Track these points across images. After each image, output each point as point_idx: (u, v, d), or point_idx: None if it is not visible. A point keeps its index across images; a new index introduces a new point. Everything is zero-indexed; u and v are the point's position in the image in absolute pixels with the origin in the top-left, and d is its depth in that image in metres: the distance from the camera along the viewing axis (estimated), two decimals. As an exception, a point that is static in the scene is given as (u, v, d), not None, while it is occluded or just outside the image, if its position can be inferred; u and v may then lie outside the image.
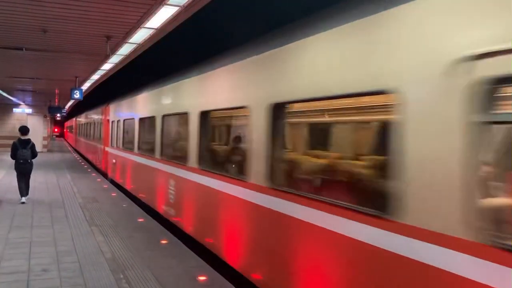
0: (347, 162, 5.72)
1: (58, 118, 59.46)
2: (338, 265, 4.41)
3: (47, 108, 32.96)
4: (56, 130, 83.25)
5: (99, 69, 16.95)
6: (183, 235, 9.09)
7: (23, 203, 12.40)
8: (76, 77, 18.73)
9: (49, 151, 37.39)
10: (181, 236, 9.06)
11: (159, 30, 10.07)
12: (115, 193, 14.91)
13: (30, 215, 10.74)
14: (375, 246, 3.84)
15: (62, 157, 31.71)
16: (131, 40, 11.31)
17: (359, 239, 4.07)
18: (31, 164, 12.71)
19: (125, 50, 12.60)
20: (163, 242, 8.58)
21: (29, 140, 12.59)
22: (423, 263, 3.35)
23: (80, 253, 7.70)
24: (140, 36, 10.81)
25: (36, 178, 18.10)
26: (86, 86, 22.76)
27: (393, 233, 3.66)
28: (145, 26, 9.73)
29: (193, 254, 7.84)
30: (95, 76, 19.34)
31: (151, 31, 10.28)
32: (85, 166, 25.04)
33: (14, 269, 6.71)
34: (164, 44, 13.77)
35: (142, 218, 10.78)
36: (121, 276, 6.56)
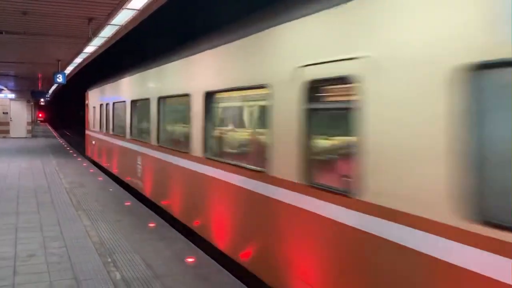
0: None
1: (42, 103, 58.66)
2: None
3: (30, 92, 32.49)
4: (40, 115, 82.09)
5: (82, 52, 16.69)
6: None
7: None
8: (58, 60, 18.45)
9: (34, 136, 36.96)
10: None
11: (142, 11, 9.91)
12: (101, 177, 14.82)
13: (16, 201, 10.63)
14: None
15: (47, 142, 31.38)
16: (113, 22, 11.13)
17: None
18: None
19: (107, 32, 12.41)
20: (151, 225, 8.56)
21: None
22: None
23: (67, 238, 7.66)
24: (123, 17, 10.64)
25: (21, 164, 17.93)
26: (69, 69, 22.44)
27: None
28: (127, 7, 9.57)
29: (181, 236, 7.85)
30: (78, 60, 19.08)
31: (133, 12, 10.12)
32: (71, 151, 24.83)
33: (0, 256, 6.65)
34: (148, 25, 13.58)
35: (129, 202, 10.74)
36: (109, 259, 6.55)
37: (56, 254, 6.78)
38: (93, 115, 20.15)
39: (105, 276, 5.93)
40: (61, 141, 34.19)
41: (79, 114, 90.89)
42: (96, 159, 19.00)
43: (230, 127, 7.44)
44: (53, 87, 37.49)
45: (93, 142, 19.66)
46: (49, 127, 64.67)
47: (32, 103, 37.31)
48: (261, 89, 5.69)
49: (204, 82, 7.64)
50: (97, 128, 18.57)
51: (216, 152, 7.36)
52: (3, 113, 34.51)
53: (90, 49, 15.86)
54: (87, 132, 22.24)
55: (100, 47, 15.32)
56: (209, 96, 7.42)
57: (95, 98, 19.39)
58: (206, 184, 7.42)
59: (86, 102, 22.40)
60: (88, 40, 13.50)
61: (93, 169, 16.77)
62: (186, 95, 8.25)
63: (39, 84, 31.66)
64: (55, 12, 10.37)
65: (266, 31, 5.66)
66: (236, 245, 6.27)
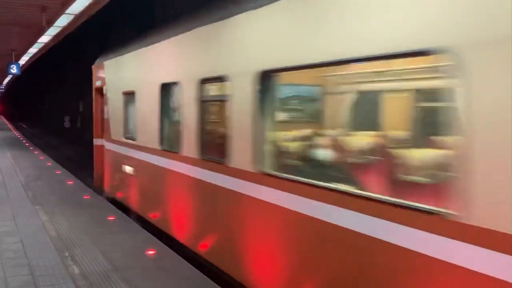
0: None
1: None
2: None
3: (-17, 84, 31.36)
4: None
5: (37, 42, 16.20)
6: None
7: None
8: (12, 51, 17.87)
9: (-12, 129, 35.71)
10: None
11: (98, -1, 9.70)
12: (59, 170, 14.48)
13: (-32, 197, 10.28)
14: None
15: (1, 135, 30.37)
16: (68, 11, 10.83)
17: None
18: None
19: (62, 21, 12.06)
20: (110, 218, 8.44)
21: None
22: None
23: (23, 233, 7.46)
24: (79, 5, 10.35)
25: (-27, 158, 17.31)
26: (24, 59, 21.76)
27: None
28: (82, -5, 9.34)
29: (141, 229, 7.78)
30: (33, 50, 18.52)
31: (89, 1, 9.88)
32: (27, 144, 24.13)
33: (-49, 253, 6.43)
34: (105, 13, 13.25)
35: (88, 195, 10.55)
36: (67, 254, 6.43)
37: (11, 249, 6.59)
38: (123, 111, 9.80)
39: (63, 271, 5.81)
40: (16, 133, 33.18)
41: (36, 107, 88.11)
42: (139, 210, 8.82)
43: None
44: (7, 79, 36.23)
45: (127, 169, 9.46)
46: (4, 120, 62.56)
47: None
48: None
49: None
50: (144, 140, 8.52)
51: None
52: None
53: (45, 38, 15.39)
54: (99, 143, 11.95)
55: (55, 36, 14.88)
56: None
57: (128, 74, 9.65)
58: None
59: (96, 84, 12.00)
60: (42, 30, 13.09)
61: (51, 163, 16.32)
62: None
63: (-8, 75, 30.60)
64: (5, 1, 10.01)
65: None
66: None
